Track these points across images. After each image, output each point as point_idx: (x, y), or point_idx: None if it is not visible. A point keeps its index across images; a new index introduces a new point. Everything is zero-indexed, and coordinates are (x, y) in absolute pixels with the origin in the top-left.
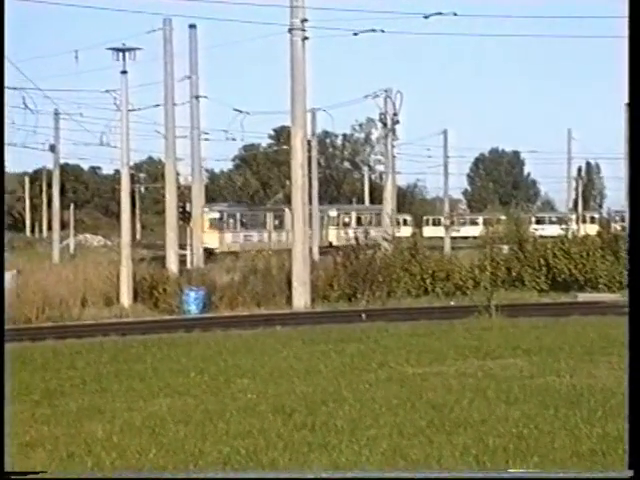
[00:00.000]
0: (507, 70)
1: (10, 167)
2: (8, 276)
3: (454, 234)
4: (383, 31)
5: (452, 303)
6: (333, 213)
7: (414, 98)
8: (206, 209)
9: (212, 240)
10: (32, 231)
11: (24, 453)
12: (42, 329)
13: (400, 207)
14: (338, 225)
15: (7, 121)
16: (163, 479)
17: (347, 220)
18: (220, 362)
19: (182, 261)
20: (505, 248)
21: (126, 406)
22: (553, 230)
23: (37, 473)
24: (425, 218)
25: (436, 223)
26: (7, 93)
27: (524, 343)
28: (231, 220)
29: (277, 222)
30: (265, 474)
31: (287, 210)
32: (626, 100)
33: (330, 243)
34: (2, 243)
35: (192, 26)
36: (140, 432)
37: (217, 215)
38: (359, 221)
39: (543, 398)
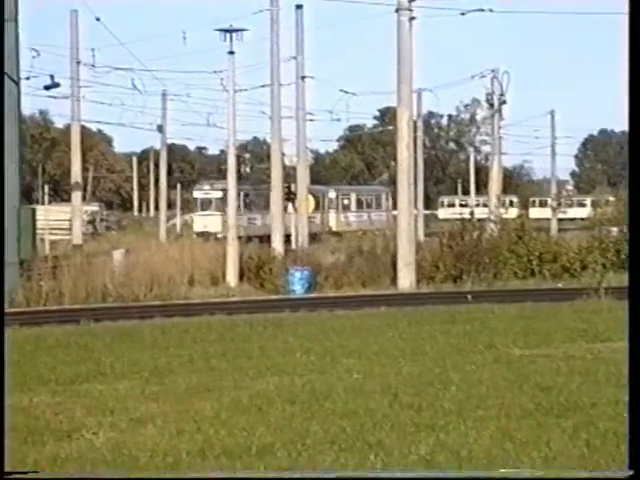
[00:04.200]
0: (617, 49)
1: (119, 147)
2: (118, 255)
3: (561, 216)
4: (491, 10)
5: (559, 285)
6: (332, 195)
7: (522, 78)
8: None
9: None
10: (140, 210)
11: (134, 429)
12: (150, 307)
13: (506, 188)
14: (337, 208)
15: (117, 102)
16: (162, 479)
17: (346, 202)
18: (326, 342)
19: (287, 241)
20: (614, 230)
21: (233, 384)
22: None
23: (37, 472)
24: (531, 200)
25: (543, 205)
26: (116, 74)
27: None
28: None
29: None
30: (265, 474)
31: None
32: None
33: (330, 228)
34: (2, 239)
35: (299, 6)
36: (248, 410)
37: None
38: (359, 203)
39: None
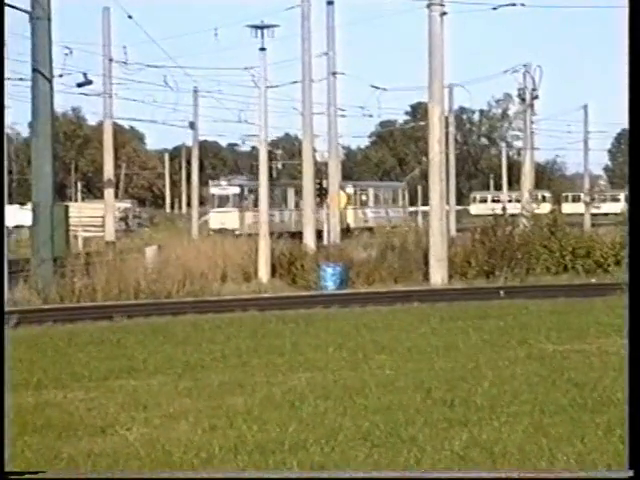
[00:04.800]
0: None
1: (151, 144)
2: (150, 251)
3: (594, 211)
4: (523, 5)
5: (593, 280)
6: (349, 190)
7: (554, 72)
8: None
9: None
10: (172, 207)
11: (168, 425)
12: (183, 303)
13: (538, 183)
14: (355, 204)
15: (149, 99)
16: (162, 479)
17: (364, 198)
18: (358, 338)
19: (318, 237)
20: None
21: (266, 380)
22: None
23: (36, 473)
24: (564, 195)
25: (576, 200)
26: (148, 71)
27: None
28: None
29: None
30: (265, 474)
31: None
32: None
33: (347, 225)
34: (2, 238)
35: (330, 2)
36: (280, 406)
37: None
38: (377, 199)
39: None
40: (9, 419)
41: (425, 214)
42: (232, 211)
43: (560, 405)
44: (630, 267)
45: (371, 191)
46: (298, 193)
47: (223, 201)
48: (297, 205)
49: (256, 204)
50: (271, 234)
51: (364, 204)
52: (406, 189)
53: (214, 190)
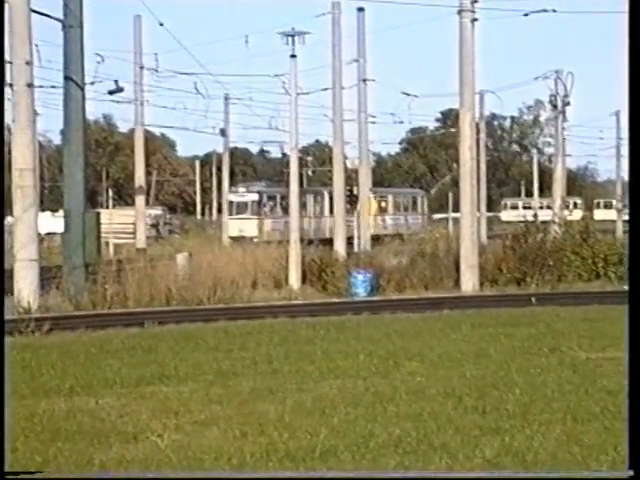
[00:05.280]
0: None
1: (182, 151)
2: (181, 258)
3: (627, 217)
4: (555, 11)
5: (625, 287)
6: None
7: (585, 79)
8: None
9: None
10: (202, 214)
11: (199, 431)
12: (214, 310)
13: (570, 190)
14: (375, 210)
15: (180, 106)
16: (164, 479)
17: (383, 205)
18: (389, 345)
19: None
20: None
21: (297, 387)
22: None
23: (33, 473)
24: (596, 201)
25: (608, 206)
26: (179, 79)
27: None
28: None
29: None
30: (264, 474)
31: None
32: None
33: None
34: (2, 240)
35: (360, 9)
36: (311, 413)
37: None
38: (396, 206)
39: None
40: (9, 420)
41: (456, 221)
42: (251, 218)
43: (593, 413)
44: (630, 268)
45: (390, 198)
46: (317, 200)
47: (241, 208)
48: (315, 211)
49: (274, 210)
50: (288, 241)
51: (383, 211)
52: (425, 196)
53: (232, 197)
